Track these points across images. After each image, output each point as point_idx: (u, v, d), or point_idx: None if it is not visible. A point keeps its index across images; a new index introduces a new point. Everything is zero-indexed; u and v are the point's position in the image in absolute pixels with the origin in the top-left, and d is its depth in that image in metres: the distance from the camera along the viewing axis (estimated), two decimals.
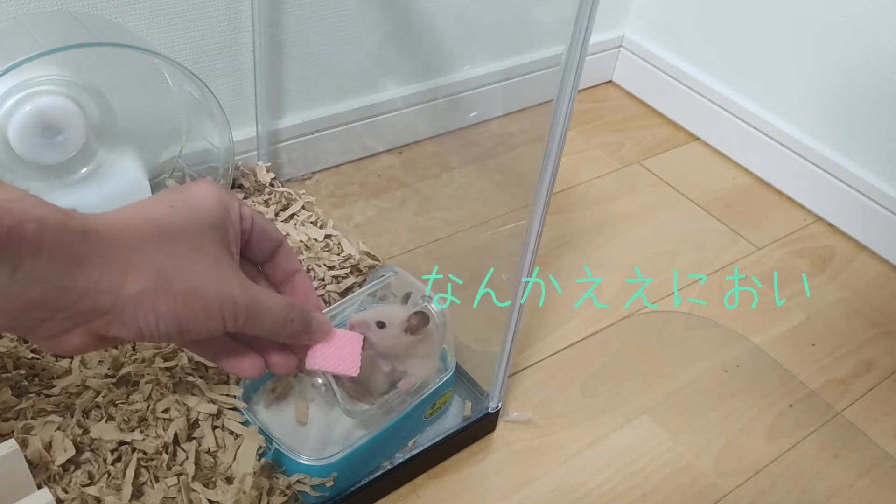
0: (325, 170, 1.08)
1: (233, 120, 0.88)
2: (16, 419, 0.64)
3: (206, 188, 0.41)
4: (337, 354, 0.53)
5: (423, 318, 0.64)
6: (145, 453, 0.62)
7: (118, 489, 0.60)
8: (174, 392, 0.67)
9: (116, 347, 0.71)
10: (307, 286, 0.48)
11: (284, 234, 0.86)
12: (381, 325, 0.63)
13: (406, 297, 0.67)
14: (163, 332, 0.37)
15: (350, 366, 0.54)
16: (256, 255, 0.46)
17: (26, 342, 0.70)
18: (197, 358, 0.70)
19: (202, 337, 0.40)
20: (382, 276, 0.72)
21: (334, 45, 0.99)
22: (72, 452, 0.61)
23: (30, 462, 0.58)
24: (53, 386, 0.67)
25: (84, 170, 0.80)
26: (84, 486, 0.60)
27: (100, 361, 0.70)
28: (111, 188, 0.80)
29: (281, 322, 0.43)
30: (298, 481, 0.63)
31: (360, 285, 0.81)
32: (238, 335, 0.44)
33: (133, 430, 0.63)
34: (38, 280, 0.33)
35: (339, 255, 0.86)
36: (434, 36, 1.09)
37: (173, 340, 0.40)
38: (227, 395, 0.67)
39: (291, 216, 0.91)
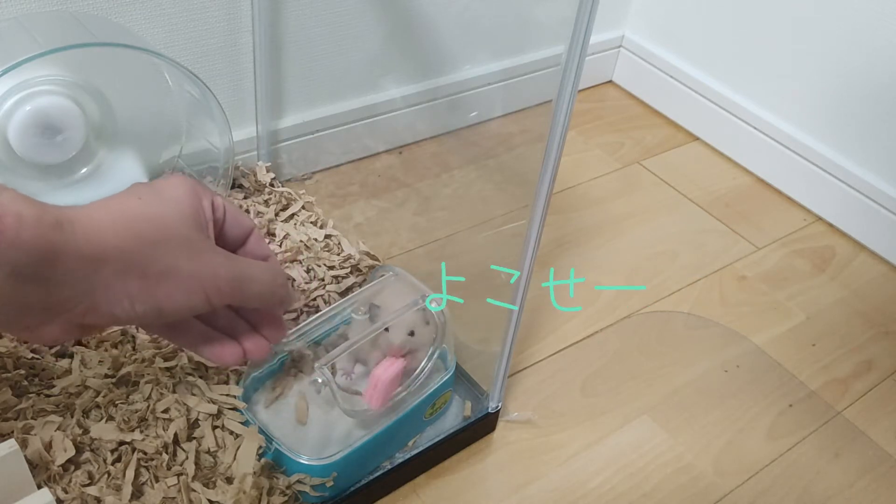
0: (325, 170, 1.08)
1: (233, 120, 0.88)
2: (16, 419, 0.64)
3: (177, 180, 0.43)
4: (391, 386, 0.65)
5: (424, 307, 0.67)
6: (145, 453, 0.62)
7: (118, 489, 0.60)
8: (174, 392, 0.67)
9: (116, 347, 0.71)
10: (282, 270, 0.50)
11: (284, 234, 0.86)
12: (411, 333, 0.66)
13: (372, 309, 0.68)
14: (139, 314, 0.38)
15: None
16: (229, 244, 0.47)
17: (26, 342, 0.70)
18: (197, 358, 0.70)
19: (185, 315, 0.41)
20: (382, 276, 0.72)
21: (334, 46, 0.99)
22: (72, 452, 0.61)
23: (30, 462, 0.58)
24: (53, 386, 0.67)
25: (84, 170, 0.80)
26: (84, 486, 0.60)
27: (100, 361, 0.70)
28: (111, 188, 0.80)
29: (270, 287, 0.44)
30: (298, 481, 0.63)
31: (360, 285, 0.81)
32: (213, 322, 0.46)
33: (133, 430, 0.63)
34: (15, 273, 0.34)
35: (339, 255, 0.86)
36: (434, 36, 1.09)
37: (154, 322, 0.41)
38: (227, 395, 0.67)
39: (291, 216, 0.91)
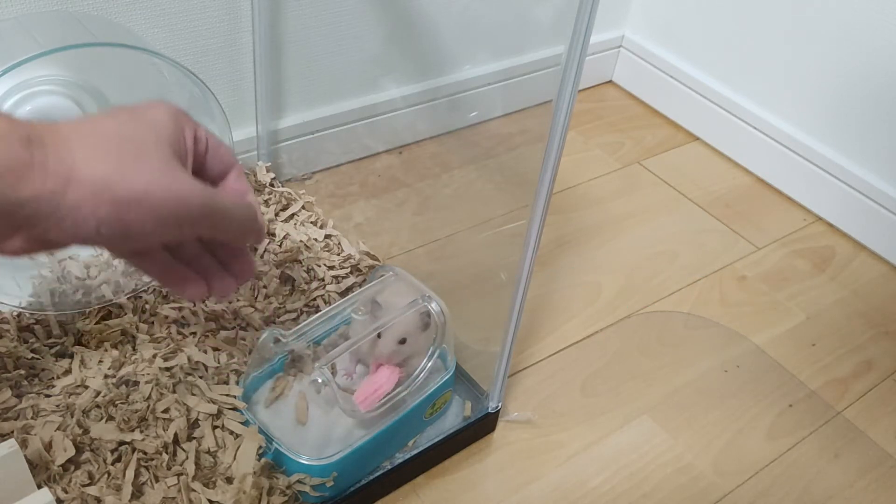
0: (325, 170, 1.08)
1: (233, 120, 0.88)
2: (16, 419, 0.64)
3: (160, 105, 0.41)
4: (379, 391, 0.66)
5: (427, 312, 0.67)
6: (145, 453, 0.62)
7: (118, 489, 0.60)
8: (174, 392, 0.67)
9: (116, 347, 0.71)
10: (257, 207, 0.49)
11: (284, 234, 0.86)
12: (402, 341, 0.66)
13: (374, 305, 0.68)
14: (105, 237, 0.37)
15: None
16: (208, 178, 0.46)
17: (26, 342, 0.70)
18: (196, 358, 0.70)
19: (154, 242, 0.39)
20: (382, 276, 0.72)
21: (334, 45, 0.99)
22: (72, 452, 0.61)
23: (30, 462, 0.58)
24: (53, 386, 0.67)
25: None
26: (84, 486, 0.60)
27: (100, 361, 0.70)
28: None
29: (243, 221, 0.43)
30: (298, 481, 0.63)
31: (360, 285, 0.81)
32: (180, 254, 0.45)
33: (133, 430, 0.63)
34: None
35: (339, 255, 0.86)
36: (434, 36, 1.09)
37: (120, 247, 0.40)
38: (227, 395, 0.67)
39: (291, 216, 0.91)
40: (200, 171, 0.45)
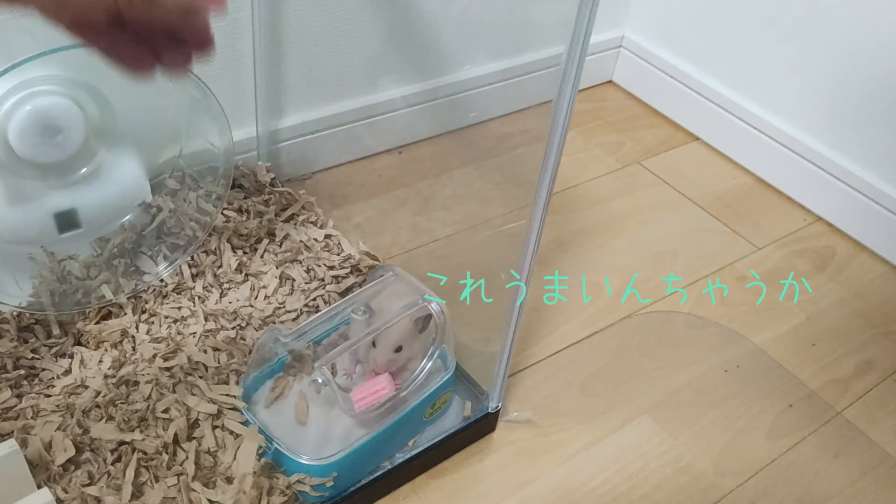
0: (325, 170, 1.08)
1: (233, 120, 0.88)
2: (16, 419, 0.64)
3: None
4: (377, 395, 0.66)
5: (427, 316, 0.67)
6: (145, 453, 0.62)
7: (118, 489, 0.60)
8: (174, 392, 0.67)
9: (116, 347, 0.71)
10: None
11: (284, 234, 0.86)
12: (398, 349, 0.66)
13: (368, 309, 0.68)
14: None
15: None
16: None
17: (26, 342, 0.70)
18: (196, 358, 0.70)
19: (89, 15, 0.36)
20: (382, 276, 0.72)
21: (334, 45, 0.99)
22: (72, 452, 0.61)
23: (30, 462, 0.58)
24: (53, 386, 0.67)
25: (84, 170, 0.80)
26: (84, 486, 0.60)
27: (100, 361, 0.70)
28: (111, 188, 0.80)
29: (185, 8, 0.38)
30: (298, 481, 0.63)
31: (360, 285, 0.81)
32: (130, 28, 0.40)
33: (133, 430, 0.63)
34: None
35: (339, 255, 0.86)
36: (434, 36, 1.09)
37: (56, 13, 0.36)
38: (227, 395, 0.67)
39: (291, 216, 0.91)
40: None
